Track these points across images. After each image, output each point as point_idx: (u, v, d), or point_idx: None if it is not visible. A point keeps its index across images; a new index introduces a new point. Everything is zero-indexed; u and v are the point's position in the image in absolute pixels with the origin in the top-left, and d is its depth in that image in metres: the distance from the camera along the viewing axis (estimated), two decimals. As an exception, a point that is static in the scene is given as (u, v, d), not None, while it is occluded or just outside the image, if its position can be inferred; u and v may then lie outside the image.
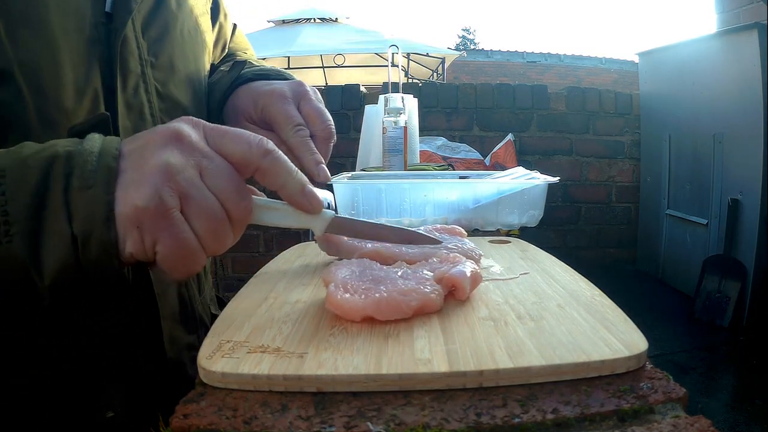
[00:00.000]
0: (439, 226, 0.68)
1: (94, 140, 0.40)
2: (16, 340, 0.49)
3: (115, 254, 0.38)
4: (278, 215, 0.45)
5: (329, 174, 0.59)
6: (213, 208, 0.40)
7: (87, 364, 0.52)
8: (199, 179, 0.39)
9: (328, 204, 0.76)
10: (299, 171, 0.44)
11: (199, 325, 0.66)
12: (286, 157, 0.43)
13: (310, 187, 0.45)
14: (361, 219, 0.54)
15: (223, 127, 0.42)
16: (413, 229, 0.58)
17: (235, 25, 0.81)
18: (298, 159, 0.59)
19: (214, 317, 0.65)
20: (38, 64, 0.46)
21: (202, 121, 0.42)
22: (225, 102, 0.67)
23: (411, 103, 1.49)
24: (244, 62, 0.70)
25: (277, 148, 0.43)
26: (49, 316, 0.49)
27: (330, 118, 0.62)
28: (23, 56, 0.45)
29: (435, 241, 0.56)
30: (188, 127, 0.41)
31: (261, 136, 0.42)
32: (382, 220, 0.69)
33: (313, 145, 0.59)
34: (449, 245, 0.58)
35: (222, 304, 0.74)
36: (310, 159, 0.58)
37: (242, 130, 0.42)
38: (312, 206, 0.45)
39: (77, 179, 0.38)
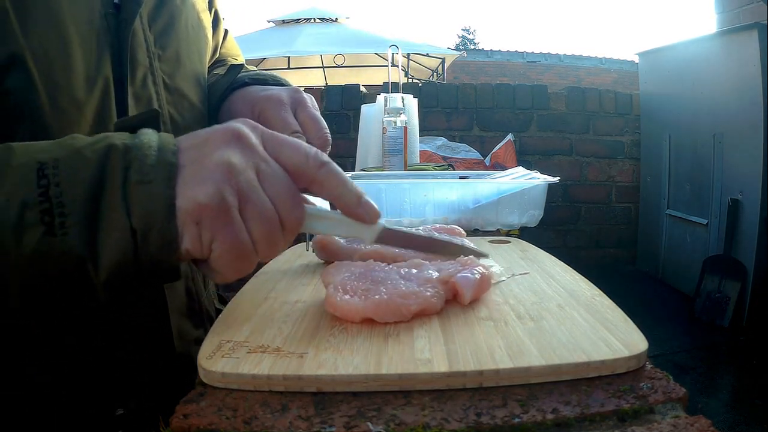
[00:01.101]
0: (438, 225, 0.68)
1: (150, 135, 0.39)
2: (35, 336, 0.49)
3: (175, 249, 0.37)
4: (330, 225, 0.45)
5: None
6: (269, 213, 0.39)
7: (99, 360, 0.52)
8: (258, 182, 0.39)
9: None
10: (353, 182, 0.43)
11: (205, 320, 0.66)
12: (340, 169, 0.43)
13: (366, 197, 0.44)
14: (408, 229, 0.54)
15: (280, 134, 0.42)
16: (459, 242, 0.57)
17: (226, 31, 0.81)
18: (330, 200, 0.58)
19: (218, 312, 0.65)
20: (49, 52, 0.46)
21: (259, 125, 0.42)
22: (221, 105, 0.68)
23: (411, 103, 1.49)
24: (241, 65, 0.70)
25: (331, 160, 0.42)
26: (68, 313, 0.49)
27: (326, 125, 0.62)
28: (34, 43, 0.45)
29: (481, 254, 0.55)
30: (248, 129, 0.40)
31: (316, 149, 0.42)
32: (382, 221, 0.68)
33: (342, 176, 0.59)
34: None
35: (223, 300, 0.74)
36: (351, 199, 0.57)
37: (298, 141, 0.42)
38: (369, 217, 0.44)
39: (136, 173, 0.37)
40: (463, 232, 0.66)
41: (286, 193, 0.40)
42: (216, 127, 0.41)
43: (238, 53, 0.83)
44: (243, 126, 0.41)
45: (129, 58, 0.53)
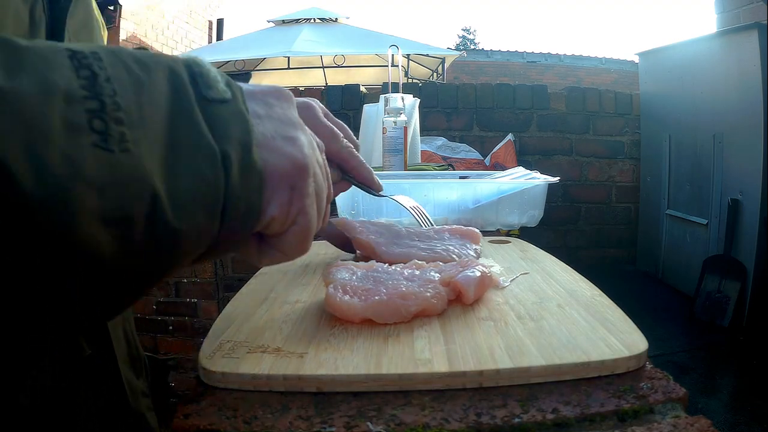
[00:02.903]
0: (455, 227, 0.67)
1: (194, 56, 0.32)
2: None
3: (261, 191, 0.31)
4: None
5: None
6: (324, 187, 0.37)
7: (54, 425, 0.42)
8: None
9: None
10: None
11: (143, 366, 0.57)
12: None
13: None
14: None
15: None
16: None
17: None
18: (352, 170, 0.57)
19: (149, 358, 0.59)
20: None
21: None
22: None
23: (411, 103, 1.49)
24: (248, 75, 0.67)
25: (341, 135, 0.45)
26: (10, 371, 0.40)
27: (351, 133, 0.62)
28: None
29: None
30: (290, 94, 0.37)
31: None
32: (382, 221, 0.69)
33: (361, 157, 0.59)
34: (439, 248, 0.58)
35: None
36: (366, 169, 0.58)
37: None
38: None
39: (206, 88, 0.29)
40: (478, 233, 0.66)
41: (326, 166, 0.39)
42: (262, 85, 0.36)
43: None
44: (287, 90, 0.37)
45: None
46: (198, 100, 0.29)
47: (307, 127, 0.37)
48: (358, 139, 0.68)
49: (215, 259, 0.48)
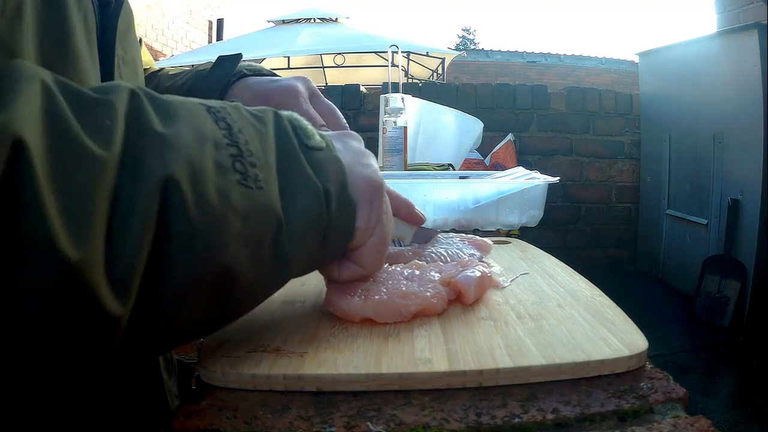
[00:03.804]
0: (470, 236, 0.65)
1: (290, 111, 0.38)
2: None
3: (353, 219, 0.37)
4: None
5: None
6: (391, 216, 0.42)
7: None
8: None
9: None
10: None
11: (174, 368, 0.58)
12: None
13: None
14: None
15: None
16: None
17: (140, 39, 0.76)
18: None
19: (178, 361, 0.59)
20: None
21: None
22: (222, 99, 0.61)
23: (411, 103, 1.49)
24: (236, 56, 0.64)
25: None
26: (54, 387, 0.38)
27: (341, 115, 0.61)
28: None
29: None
30: (358, 136, 0.43)
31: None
32: None
33: None
34: (438, 250, 0.58)
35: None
36: None
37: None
38: (422, 218, 0.52)
39: (305, 137, 0.35)
40: (489, 243, 0.63)
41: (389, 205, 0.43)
42: (337, 131, 0.42)
43: (150, 60, 0.76)
44: (358, 135, 0.43)
45: (110, 54, 0.47)
46: (301, 148, 0.34)
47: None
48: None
49: (308, 273, 0.50)
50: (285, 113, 0.36)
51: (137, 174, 0.25)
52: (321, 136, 0.37)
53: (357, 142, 0.42)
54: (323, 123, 0.58)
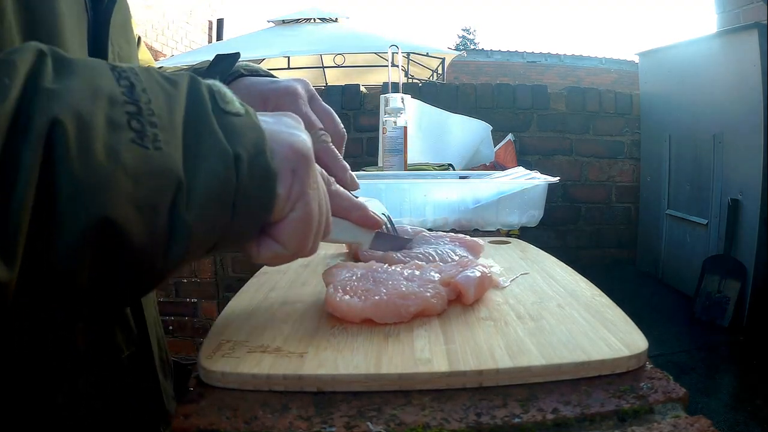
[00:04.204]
0: (460, 235, 0.65)
1: (213, 80, 0.36)
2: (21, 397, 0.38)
3: (273, 188, 0.34)
4: (337, 230, 0.47)
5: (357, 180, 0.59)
6: (325, 201, 0.39)
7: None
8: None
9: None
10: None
11: (171, 371, 0.58)
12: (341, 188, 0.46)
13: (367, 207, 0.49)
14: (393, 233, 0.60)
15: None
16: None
17: (139, 37, 0.72)
18: (324, 167, 0.56)
19: (173, 362, 0.60)
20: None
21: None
22: None
23: (411, 103, 1.49)
24: (234, 55, 0.63)
25: (333, 179, 0.45)
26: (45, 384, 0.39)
27: (338, 118, 0.60)
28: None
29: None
30: (299, 118, 0.41)
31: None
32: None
33: (337, 152, 0.56)
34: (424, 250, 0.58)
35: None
36: (339, 167, 0.55)
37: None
38: (378, 222, 0.50)
39: (223, 102, 0.34)
40: (482, 246, 0.64)
41: (326, 193, 0.40)
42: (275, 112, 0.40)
43: (149, 58, 0.75)
44: (299, 118, 0.40)
45: (103, 48, 0.47)
46: (215, 111, 0.33)
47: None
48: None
49: (225, 252, 0.48)
50: (207, 81, 0.35)
51: (25, 129, 0.25)
52: (242, 104, 0.35)
53: (293, 120, 0.39)
54: (321, 126, 0.56)
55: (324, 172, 0.43)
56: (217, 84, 0.35)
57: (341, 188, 0.46)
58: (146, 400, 0.50)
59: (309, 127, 0.54)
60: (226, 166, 0.31)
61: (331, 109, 0.59)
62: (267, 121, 0.37)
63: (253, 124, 0.34)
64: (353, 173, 0.55)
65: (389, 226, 0.66)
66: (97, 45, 0.47)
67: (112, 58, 0.50)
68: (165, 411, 0.52)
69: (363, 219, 0.49)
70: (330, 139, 0.56)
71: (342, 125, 0.59)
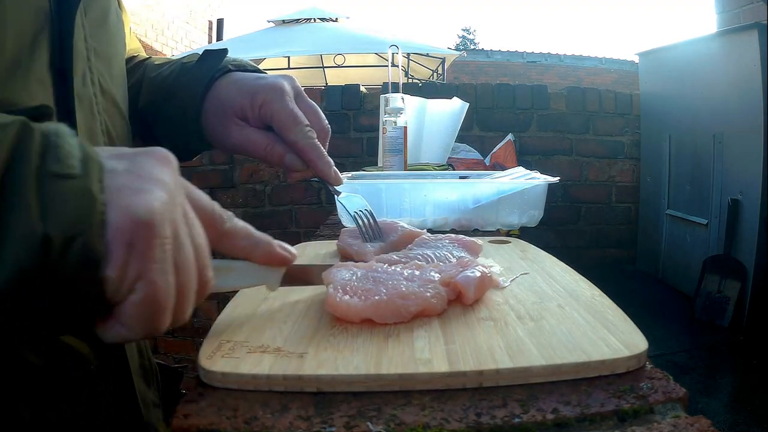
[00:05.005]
0: (459, 236, 0.65)
1: (59, 126, 0.30)
2: None
3: (96, 273, 0.28)
4: (235, 276, 0.42)
5: (341, 176, 0.59)
6: (191, 263, 0.32)
7: None
8: (185, 224, 0.32)
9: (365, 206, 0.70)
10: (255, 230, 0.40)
11: (153, 376, 0.57)
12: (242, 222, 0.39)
13: (276, 241, 0.42)
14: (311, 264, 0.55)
15: (187, 182, 0.36)
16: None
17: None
18: (309, 162, 0.56)
19: (159, 366, 0.59)
20: None
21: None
22: (205, 94, 0.59)
23: (412, 103, 1.49)
24: (222, 51, 0.61)
25: (232, 215, 0.38)
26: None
27: (323, 115, 0.60)
28: None
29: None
30: (174, 159, 0.34)
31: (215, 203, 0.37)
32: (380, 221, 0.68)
33: (322, 148, 0.57)
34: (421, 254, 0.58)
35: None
36: (323, 162, 0.56)
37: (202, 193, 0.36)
38: (285, 258, 0.42)
39: (54, 162, 0.27)
40: (479, 244, 0.63)
41: (204, 245, 0.34)
42: (138, 149, 0.34)
43: (138, 47, 0.71)
44: (169, 154, 0.34)
45: (69, 47, 0.44)
46: (39, 174, 0.27)
47: (181, 188, 0.33)
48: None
49: (62, 333, 0.37)
50: (52, 127, 0.29)
51: None
52: (86, 159, 0.29)
53: (157, 165, 0.32)
54: (308, 122, 0.56)
55: (217, 207, 0.37)
56: (58, 133, 0.29)
57: (240, 225, 0.39)
58: (121, 411, 0.49)
59: (296, 123, 0.55)
60: (29, 252, 0.26)
61: (317, 105, 0.59)
62: (115, 171, 0.30)
63: (84, 190, 0.28)
64: (349, 173, 0.54)
65: (366, 221, 0.63)
66: (61, 39, 0.44)
67: (85, 54, 0.47)
68: (143, 420, 0.50)
69: (267, 257, 0.41)
70: (315, 135, 0.57)
71: (326, 121, 0.60)
